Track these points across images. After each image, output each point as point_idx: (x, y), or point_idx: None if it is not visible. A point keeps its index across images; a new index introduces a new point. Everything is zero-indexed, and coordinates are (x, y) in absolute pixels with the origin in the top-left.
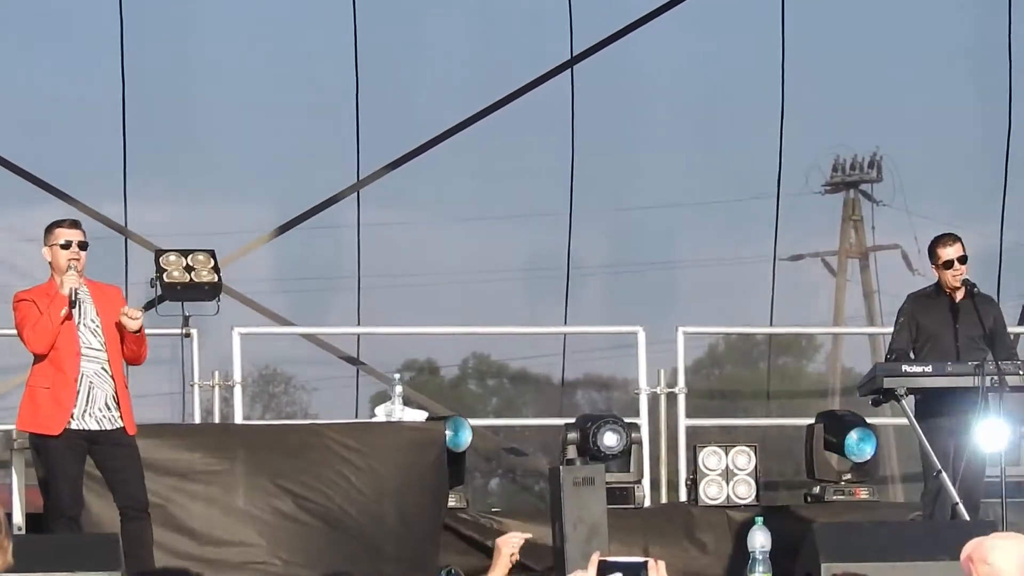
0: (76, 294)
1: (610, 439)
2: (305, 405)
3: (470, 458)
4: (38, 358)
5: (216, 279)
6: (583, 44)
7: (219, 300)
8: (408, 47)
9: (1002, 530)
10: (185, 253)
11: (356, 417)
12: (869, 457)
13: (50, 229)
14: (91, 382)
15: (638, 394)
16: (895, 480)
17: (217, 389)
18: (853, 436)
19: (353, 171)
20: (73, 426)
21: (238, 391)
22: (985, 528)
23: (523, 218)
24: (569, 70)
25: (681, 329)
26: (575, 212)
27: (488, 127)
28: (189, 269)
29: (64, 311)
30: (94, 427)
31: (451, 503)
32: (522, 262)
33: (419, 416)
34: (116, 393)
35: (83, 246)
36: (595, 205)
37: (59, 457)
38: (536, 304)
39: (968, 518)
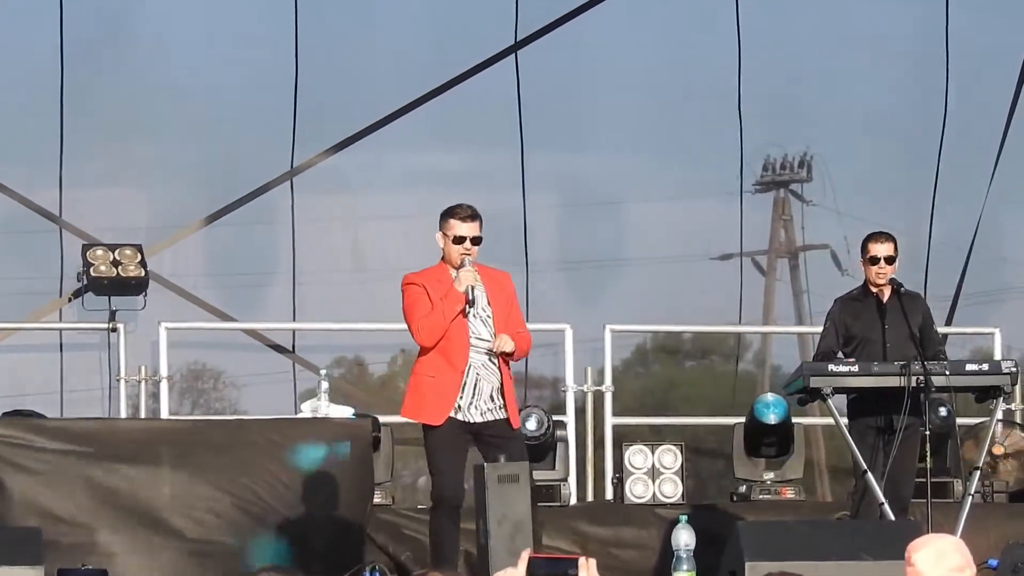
0: (473, 292)
1: (531, 424)
2: (234, 401)
3: (398, 456)
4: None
5: (143, 274)
6: (529, 29)
7: (146, 295)
8: (349, 31)
9: (928, 531)
10: (112, 247)
11: (291, 413)
12: (776, 422)
13: (445, 216)
14: (478, 373)
15: (565, 392)
16: (823, 480)
17: (144, 384)
18: (766, 398)
19: (288, 158)
20: (458, 417)
21: (164, 386)
22: (911, 529)
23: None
24: (513, 55)
25: (608, 327)
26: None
27: (431, 113)
28: (116, 263)
29: (459, 307)
30: (478, 419)
31: (377, 500)
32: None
33: (345, 412)
34: (502, 384)
35: (476, 241)
36: (542, 200)
37: (441, 447)
38: None
39: (893, 518)
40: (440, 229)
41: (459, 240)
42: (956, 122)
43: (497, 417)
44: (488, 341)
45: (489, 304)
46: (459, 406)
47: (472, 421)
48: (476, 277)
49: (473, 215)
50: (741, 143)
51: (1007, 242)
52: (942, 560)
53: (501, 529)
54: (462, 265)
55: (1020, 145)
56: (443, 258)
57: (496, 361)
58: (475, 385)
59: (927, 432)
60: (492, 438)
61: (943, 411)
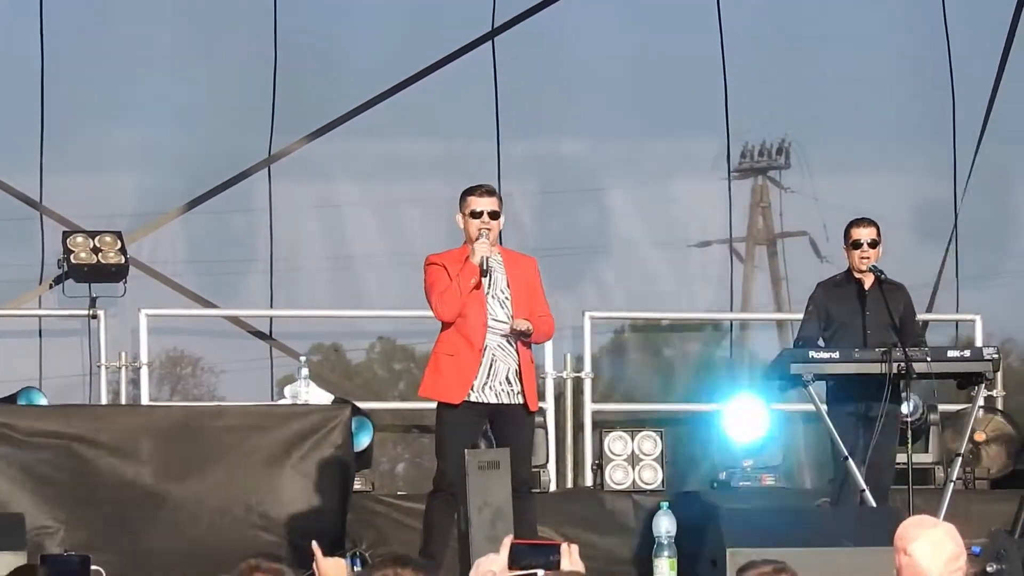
0: (487, 263)
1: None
2: (212, 387)
3: (377, 444)
4: (445, 325)
5: (123, 261)
6: (506, 15)
7: (126, 281)
8: (328, 18)
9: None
10: (93, 234)
11: (268, 400)
12: (759, 438)
13: (463, 196)
14: (494, 354)
15: (544, 378)
16: (803, 467)
17: (124, 370)
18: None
19: (266, 146)
20: (472, 398)
21: (144, 372)
22: (891, 515)
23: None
24: (490, 42)
25: (588, 314)
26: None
27: (409, 100)
28: (96, 250)
29: (474, 280)
30: (493, 400)
31: (357, 486)
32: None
33: (325, 398)
34: (519, 367)
35: (494, 215)
36: (519, 187)
37: (452, 429)
38: None
39: (875, 505)
40: (460, 210)
41: (476, 215)
42: (941, 104)
43: (513, 401)
44: (505, 323)
45: (508, 286)
46: (474, 387)
47: (487, 402)
48: (490, 249)
49: (490, 192)
50: (727, 130)
51: (988, 228)
52: (939, 551)
53: (481, 516)
54: (478, 239)
55: (1001, 130)
56: (466, 241)
57: (514, 343)
58: (491, 366)
59: (908, 419)
60: (504, 424)
61: (905, 408)
